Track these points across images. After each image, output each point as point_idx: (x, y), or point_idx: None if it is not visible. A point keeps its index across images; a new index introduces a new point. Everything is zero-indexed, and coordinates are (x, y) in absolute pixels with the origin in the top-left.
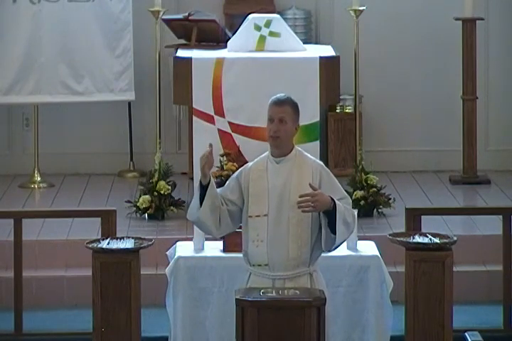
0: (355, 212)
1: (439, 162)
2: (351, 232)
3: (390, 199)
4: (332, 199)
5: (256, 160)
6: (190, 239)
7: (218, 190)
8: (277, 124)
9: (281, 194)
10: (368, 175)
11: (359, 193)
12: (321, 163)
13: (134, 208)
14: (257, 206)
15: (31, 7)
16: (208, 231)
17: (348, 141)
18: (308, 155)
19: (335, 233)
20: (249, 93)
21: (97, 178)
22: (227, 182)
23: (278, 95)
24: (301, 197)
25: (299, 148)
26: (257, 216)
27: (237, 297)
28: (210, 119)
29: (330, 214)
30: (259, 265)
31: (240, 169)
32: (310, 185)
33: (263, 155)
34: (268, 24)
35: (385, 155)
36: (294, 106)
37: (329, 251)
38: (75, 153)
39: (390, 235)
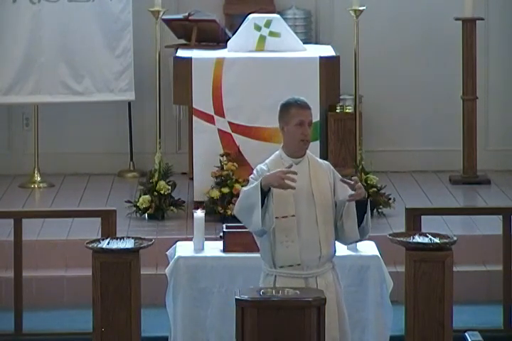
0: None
1: (439, 162)
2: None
3: (390, 199)
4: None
5: (268, 162)
6: (190, 239)
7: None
8: (308, 128)
9: (306, 194)
10: (368, 175)
11: None
12: (327, 162)
13: (134, 208)
14: (283, 207)
15: (31, 7)
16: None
17: (348, 141)
18: (312, 154)
19: (360, 223)
20: (249, 93)
21: (97, 178)
22: (249, 184)
23: (294, 98)
24: (354, 185)
25: None
26: (283, 217)
27: (237, 297)
28: (210, 119)
29: (361, 204)
30: (291, 265)
31: (255, 172)
32: (342, 180)
33: (272, 157)
34: (268, 24)
35: (385, 155)
36: None
37: (363, 239)
38: (75, 153)
39: (390, 235)
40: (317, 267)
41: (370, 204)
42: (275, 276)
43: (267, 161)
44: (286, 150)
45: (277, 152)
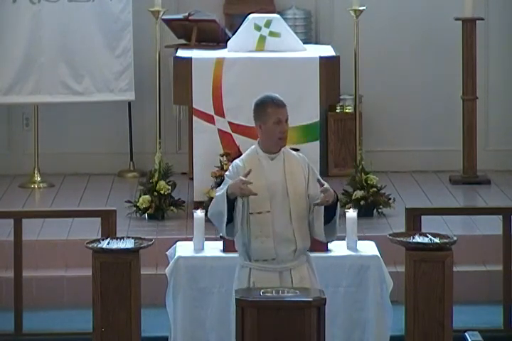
0: (355, 212)
1: (439, 162)
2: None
3: (390, 199)
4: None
5: (244, 157)
6: (190, 239)
7: (219, 193)
8: (286, 125)
9: (280, 190)
10: (368, 175)
11: (359, 193)
12: (302, 154)
13: (134, 208)
14: (257, 203)
15: (31, 7)
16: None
17: (348, 141)
18: (288, 148)
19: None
20: (249, 93)
21: (97, 178)
22: (223, 184)
23: (270, 96)
24: (323, 191)
25: None
26: (258, 212)
27: (237, 297)
28: (210, 119)
29: (330, 205)
30: (265, 260)
31: (230, 169)
32: (318, 180)
33: (248, 152)
34: (268, 24)
35: (385, 155)
36: None
37: (331, 241)
38: (75, 153)
39: (390, 235)
40: (291, 261)
41: (370, 203)
42: (250, 269)
43: (243, 157)
44: (262, 146)
45: (253, 147)
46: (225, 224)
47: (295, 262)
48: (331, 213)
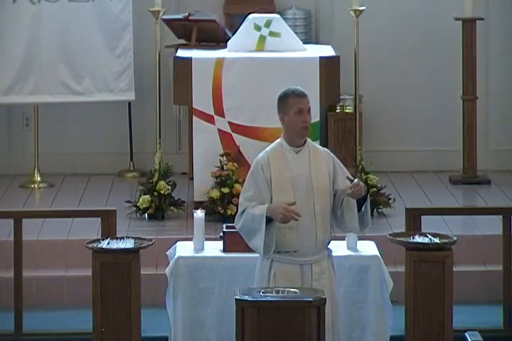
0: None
1: (439, 162)
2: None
3: (390, 199)
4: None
5: (267, 150)
6: (190, 239)
7: (249, 193)
8: (307, 115)
9: (305, 182)
10: (368, 175)
11: None
12: (327, 149)
13: (134, 208)
14: (281, 195)
15: (31, 7)
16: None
17: (348, 141)
18: (313, 143)
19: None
20: (249, 93)
21: (97, 178)
22: (251, 181)
23: (291, 88)
24: (353, 186)
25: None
26: None
27: (237, 297)
28: (210, 119)
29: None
30: (287, 252)
31: (255, 163)
32: (348, 178)
33: (273, 145)
34: (268, 24)
35: (385, 155)
36: None
37: (364, 231)
38: (75, 153)
39: (390, 235)
40: (313, 254)
41: (370, 203)
42: (272, 260)
43: (267, 149)
44: (287, 139)
45: (278, 140)
46: (261, 243)
47: (316, 256)
48: (360, 205)
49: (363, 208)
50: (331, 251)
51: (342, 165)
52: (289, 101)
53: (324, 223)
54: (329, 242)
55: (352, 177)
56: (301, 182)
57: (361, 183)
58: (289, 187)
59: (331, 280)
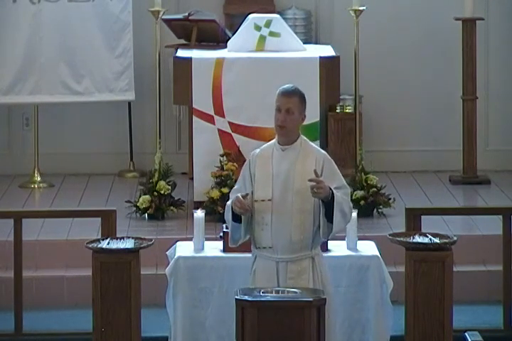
0: (355, 212)
1: (439, 162)
2: (347, 222)
3: (390, 199)
4: (330, 189)
5: (263, 147)
6: (190, 239)
7: (236, 186)
8: (284, 114)
9: (285, 180)
10: (368, 175)
11: (359, 193)
12: (325, 152)
13: (134, 208)
14: (262, 191)
15: (31, 7)
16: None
17: (348, 141)
18: (313, 144)
19: (331, 222)
20: (249, 93)
21: (97, 178)
22: (240, 175)
23: (286, 86)
24: (310, 181)
25: (305, 138)
26: (262, 200)
27: (237, 297)
28: (210, 119)
29: (327, 203)
30: (264, 247)
31: (249, 158)
32: (314, 171)
33: (270, 142)
34: (268, 24)
35: (385, 155)
36: (301, 97)
37: (326, 239)
38: (75, 153)
39: (390, 235)
40: (289, 253)
41: (370, 203)
42: (256, 256)
43: (263, 146)
44: (276, 137)
45: (274, 139)
46: (230, 233)
47: (294, 255)
48: (329, 212)
49: (332, 220)
50: (317, 254)
51: (336, 168)
52: (276, 98)
53: (304, 223)
54: (317, 243)
55: (318, 172)
56: (281, 180)
57: (324, 183)
58: (269, 183)
59: (316, 282)
